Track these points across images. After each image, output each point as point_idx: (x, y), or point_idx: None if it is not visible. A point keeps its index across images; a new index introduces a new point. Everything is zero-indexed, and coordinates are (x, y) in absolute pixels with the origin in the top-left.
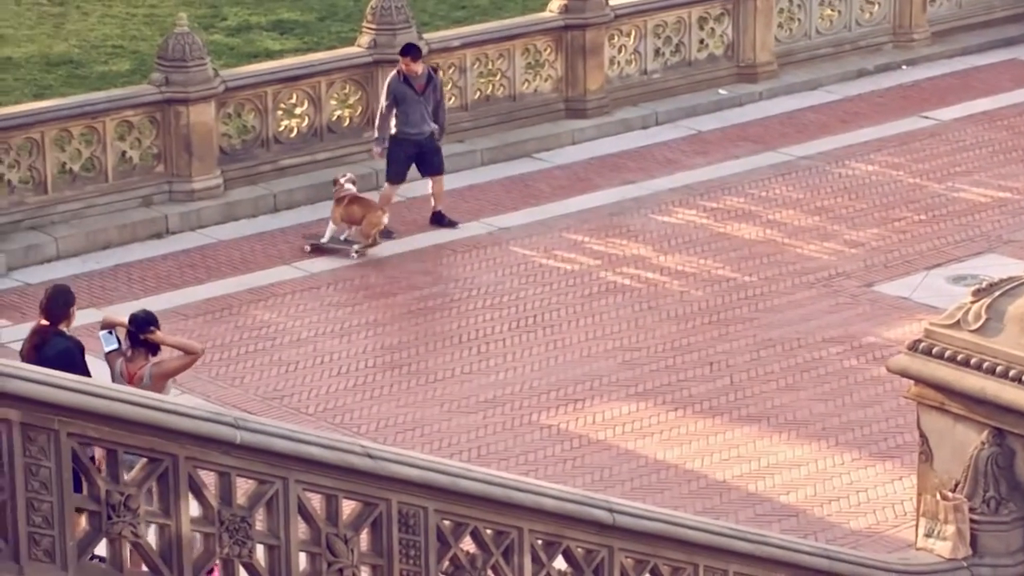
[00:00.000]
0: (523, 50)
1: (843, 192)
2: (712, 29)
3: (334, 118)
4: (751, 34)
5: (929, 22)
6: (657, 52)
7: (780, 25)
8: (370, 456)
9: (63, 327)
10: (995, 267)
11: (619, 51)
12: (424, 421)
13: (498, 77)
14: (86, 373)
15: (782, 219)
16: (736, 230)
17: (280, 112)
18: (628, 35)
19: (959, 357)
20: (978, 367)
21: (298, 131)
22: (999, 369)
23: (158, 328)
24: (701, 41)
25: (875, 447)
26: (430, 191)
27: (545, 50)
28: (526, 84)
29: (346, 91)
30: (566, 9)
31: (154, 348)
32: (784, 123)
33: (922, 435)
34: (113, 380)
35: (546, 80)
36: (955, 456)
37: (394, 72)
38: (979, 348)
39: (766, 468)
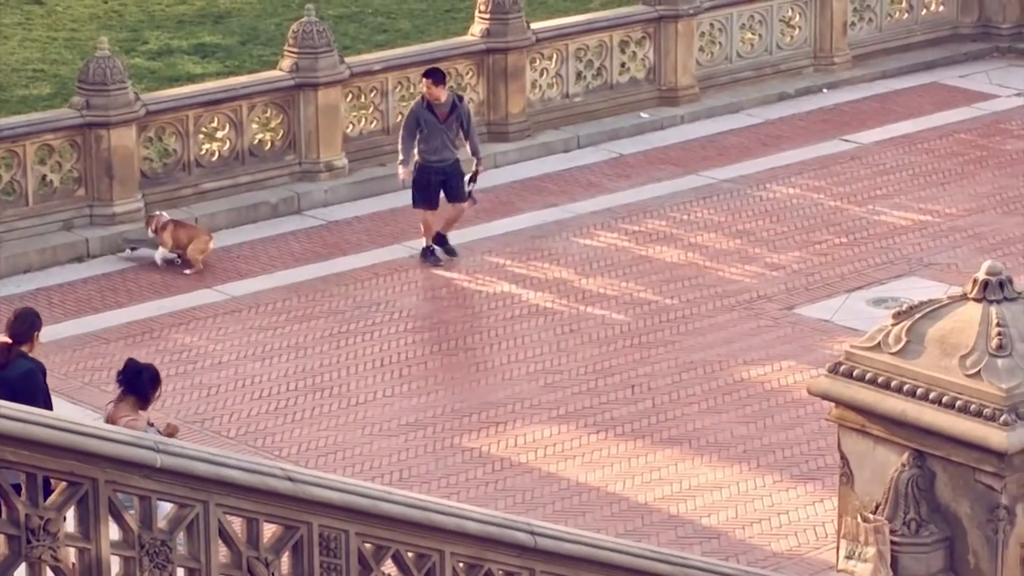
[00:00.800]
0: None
1: (764, 215)
2: (634, 52)
3: (256, 142)
4: (672, 57)
5: (849, 46)
6: (579, 75)
7: (701, 48)
8: (291, 479)
9: (26, 349)
10: (915, 289)
11: (541, 74)
12: (345, 444)
13: None
14: (47, 395)
15: (704, 242)
16: (658, 253)
17: (201, 136)
18: (550, 58)
19: (880, 379)
20: (899, 389)
21: (219, 155)
22: (919, 391)
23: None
24: (623, 64)
25: (796, 469)
26: (446, 215)
27: (467, 74)
28: None
29: (268, 115)
30: (488, 33)
31: (143, 399)
32: (705, 146)
33: (843, 457)
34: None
35: (468, 104)
36: (876, 478)
37: (418, 97)
38: (899, 370)
39: (687, 490)
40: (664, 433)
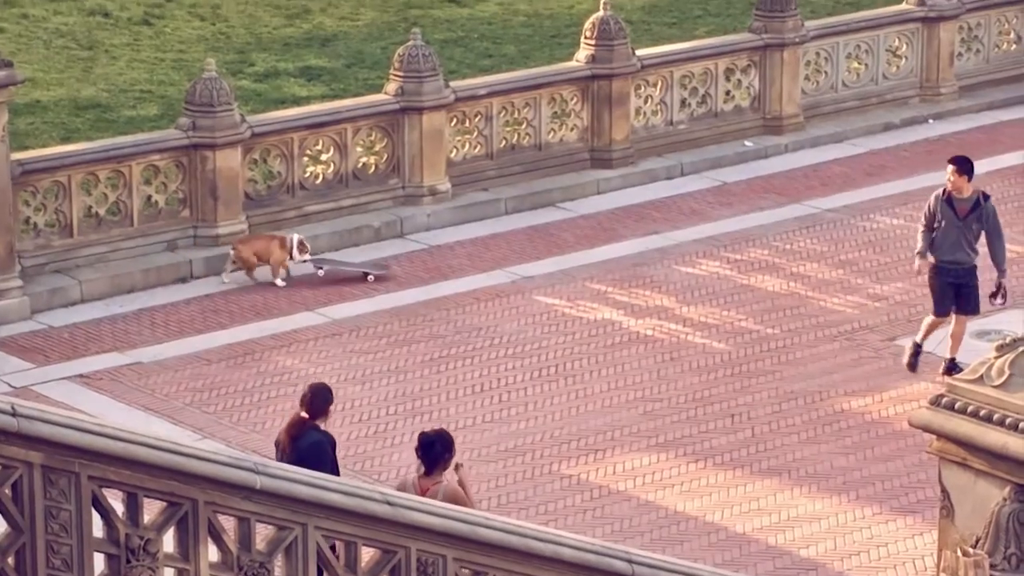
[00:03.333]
0: (549, 99)
1: (867, 245)
2: (739, 80)
3: (359, 165)
4: (777, 86)
5: (956, 76)
6: (683, 103)
7: (807, 77)
8: (390, 503)
9: (320, 422)
10: (1019, 323)
11: (645, 101)
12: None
13: (524, 126)
14: (335, 465)
15: (806, 272)
16: (760, 282)
17: (306, 158)
18: (654, 85)
19: (982, 412)
20: (1000, 423)
21: (323, 177)
22: (1022, 425)
23: (452, 453)
24: (727, 92)
25: (896, 502)
26: (950, 331)
27: (571, 99)
28: (552, 133)
29: (372, 138)
30: (593, 59)
31: (436, 466)
32: (809, 175)
33: (943, 490)
34: (404, 490)
35: (572, 129)
36: (976, 512)
37: (940, 188)
38: (1002, 404)
39: (786, 521)
40: (763, 463)
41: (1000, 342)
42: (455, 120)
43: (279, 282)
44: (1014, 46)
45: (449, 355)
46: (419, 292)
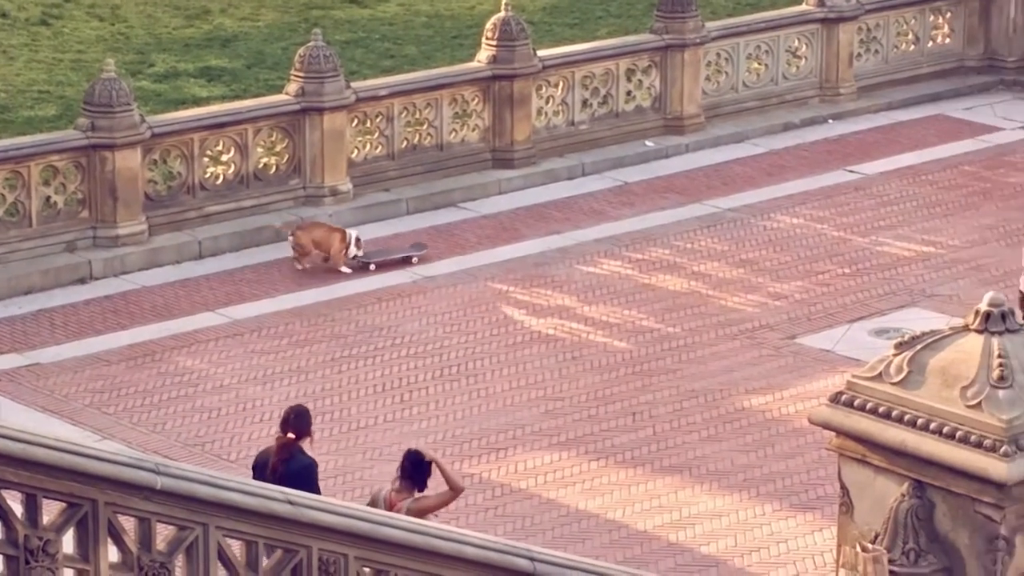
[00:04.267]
0: (451, 100)
1: (768, 245)
2: (640, 81)
3: (260, 166)
4: (679, 86)
5: (855, 77)
6: (585, 103)
7: (708, 78)
8: (291, 503)
9: (305, 444)
10: (917, 320)
11: (547, 102)
12: (346, 468)
13: (425, 126)
14: (319, 490)
15: (707, 271)
16: (661, 281)
17: (206, 159)
18: (556, 86)
19: (881, 409)
20: (899, 419)
21: (224, 178)
22: (920, 422)
23: (429, 470)
24: (628, 93)
25: (796, 498)
26: None
27: (473, 100)
28: (453, 134)
29: (273, 139)
30: (494, 60)
31: (421, 485)
32: (710, 175)
33: (843, 486)
34: (375, 504)
35: (473, 130)
36: (875, 508)
37: None
38: (900, 401)
39: (687, 518)
40: (664, 461)
41: (899, 340)
42: (356, 121)
43: (344, 269)
44: (912, 47)
45: (350, 355)
46: (320, 292)
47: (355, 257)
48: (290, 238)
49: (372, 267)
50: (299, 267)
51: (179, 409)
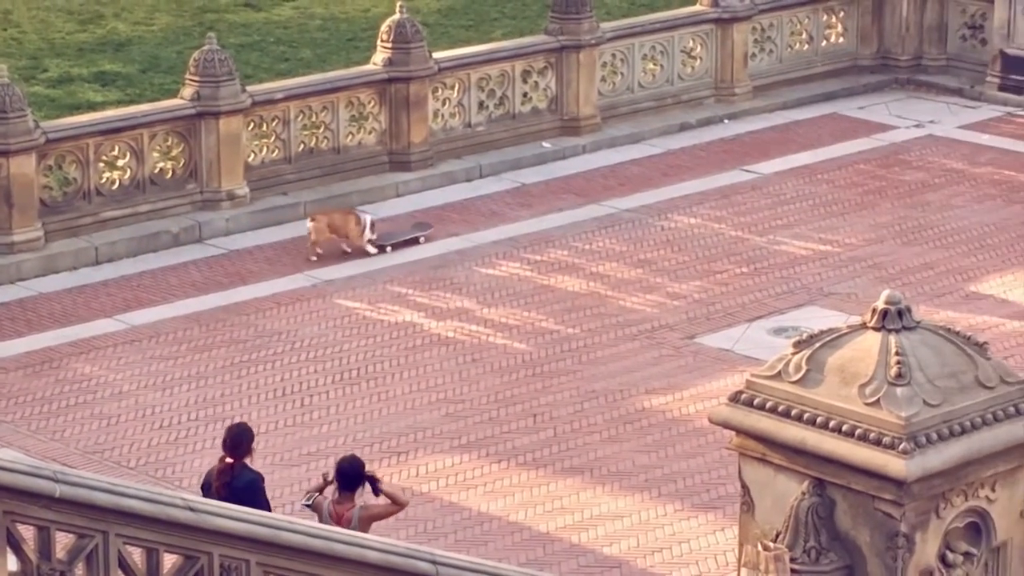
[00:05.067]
0: (347, 103)
1: (666, 245)
2: (536, 82)
3: (156, 170)
4: (575, 87)
5: (750, 76)
6: (481, 105)
7: (603, 79)
8: (191, 509)
9: (248, 460)
10: (816, 319)
11: (443, 104)
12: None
13: (322, 130)
14: (267, 502)
15: (605, 271)
16: (559, 283)
17: (102, 164)
18: (452, 88)
19: (780, 408)
20: (799, 418)
21: (120, 183)
22: (819, 420)
23: (366, 475)
24: (525, 94)
25: (697, 498)
26: None
27: (369, 103)
28: (350, 137)
29: (169, 143)
30: (390, 62)
31: (354, 488)
32: (607, 176)
33: (744, 485)
34: (321, 520)
35: (370, 132)
36: (776, 506)
37: None
38: (800, 399)
39: (589, 520)
40: (565, 462)
41: (797, 338)
42: (252, 124)
43: (371, 249)
44: (806, 46)
45: (250, 360)
46: (219, 297)
47: (370, 240)
48: (309, 224)
49: (389, 249)
50: (313, 257)
51: (78, 416)
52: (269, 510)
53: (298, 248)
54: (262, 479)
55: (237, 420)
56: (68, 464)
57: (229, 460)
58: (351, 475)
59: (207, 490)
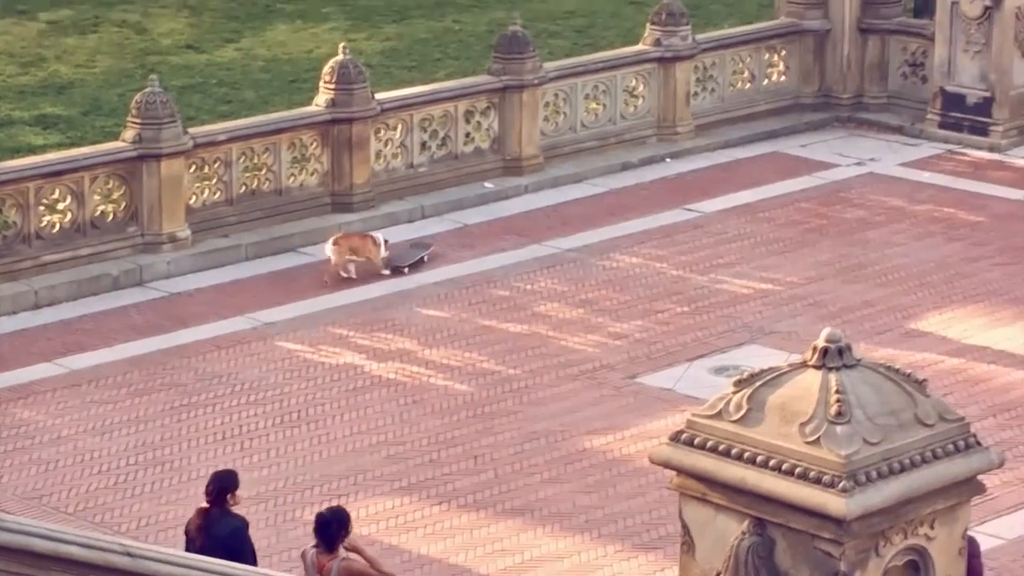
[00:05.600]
0: (289, 144)
1: (608, 284)
2: (478, 123)
3: (97, 213)
4: (517, 128)
5: (692, 115)
6: (423, 145)
7: (546, 119)
8: (130, 555)
9: (231, 503)
10: (757, 358)
11: (385, 144)
12: (186, 519)
13: (264, 171)
14: (253, 548)
15: (547, 312)
16: (501, 323)
17: (42, 207)
18: (394, 129)
19: (720, 447)
20: (739, 457)
21: (60, 227)
22: (759, 459)
23: (348, 531)
24: (467, 135)
25: (638, 538)
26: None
27: (311, 144)
28: (292, 178)
29: (110, 186)
30: (332, 103)
31: (331, 545)
32: (550, 216)
33: (684, 525)
34: (305, 568)
35: (312, 174)
36: (716, 546)
37: None
38: (740, 438)
39: (530, 561)
40: (507, 504)
41: (738, 377)
42: (194, 166)
43: (384, 271)
44: (748, 85)
45: (190, 403)
46: (159, 340)
47: (385, 257)
48: (331, 248)
49: (406, 271)
50: (344, 274)
51: (16, 462)
52: (254, 557)
53: (240, 291)
54: (246, 525)
55: (177, 464)
56: (5, 510)
57: (205, 505)
58: (326, 527)
59: (188, 535)
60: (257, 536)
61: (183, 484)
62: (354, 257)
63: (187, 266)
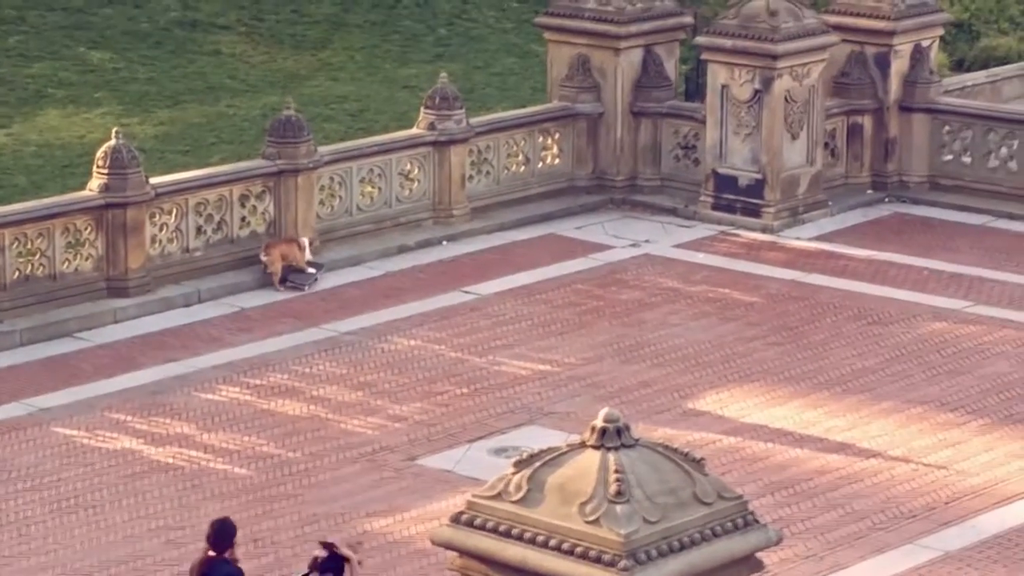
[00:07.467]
0: (63, 229)
1: (386, 367)
2: (254, 206)
3: None
4: (293, 211)
5: (468, 198)
6: (199, 230)
7: (322, 202)
8: None
9: (228, 555)
10: (536, 438)
11: (160, 229)
12: None
13: (38, 256)
14: None
15: (326, 394)
16: (280, 406)
17: None
18: (169, 213)
19: (501, 528)
20: (519, 537)
21: None
22: (540, 539)
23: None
24: (243, 218)
25: None
26: None
27: (85, 229)
28: (67, 263)
29: None
30: (106, 188)
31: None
32: (327, 299)
33: None
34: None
35: (87, 259)
36: None
37: None
38: (521, 519)
39: None
40: None
41: (518, 458)
42: None
43: (311, 270)
44: (523, 168)
45: None
46: None
47: (308, 262)
48: (264, 258)
49: (305, 288)
50: (279, 287)
51: None
52: None
53: (14, 376)
54: (241, 574)
55: None
56: None
57: (212, 553)
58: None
59: None
60: None
61: None
62: (283, 263)
63: None
